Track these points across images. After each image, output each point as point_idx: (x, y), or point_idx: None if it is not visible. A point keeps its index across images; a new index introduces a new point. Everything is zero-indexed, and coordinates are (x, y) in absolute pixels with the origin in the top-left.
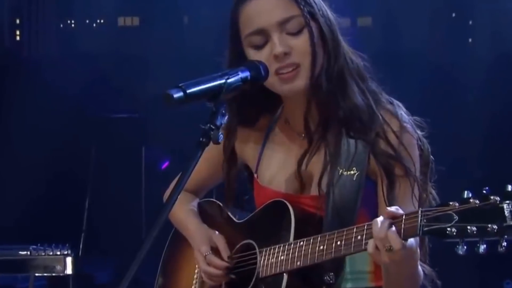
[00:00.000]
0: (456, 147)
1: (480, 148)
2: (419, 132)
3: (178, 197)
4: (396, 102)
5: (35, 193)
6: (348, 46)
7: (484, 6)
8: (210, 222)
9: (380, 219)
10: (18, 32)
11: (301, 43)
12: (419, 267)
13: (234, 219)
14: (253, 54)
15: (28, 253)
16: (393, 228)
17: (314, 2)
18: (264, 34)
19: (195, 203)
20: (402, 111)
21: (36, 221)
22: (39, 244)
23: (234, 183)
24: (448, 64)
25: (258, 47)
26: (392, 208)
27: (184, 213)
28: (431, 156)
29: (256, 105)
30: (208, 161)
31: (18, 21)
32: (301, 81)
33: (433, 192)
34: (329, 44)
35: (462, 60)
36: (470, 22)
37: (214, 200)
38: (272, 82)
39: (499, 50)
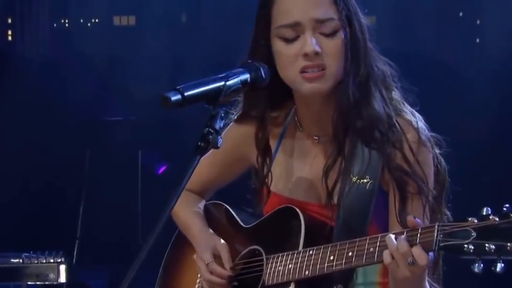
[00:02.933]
0: (463, 151)
1: (488, 152)
2: (437, 150)
3: (184, 198)
4: (418, 115)
5: (27, 198)
6: (376, 53)
7: (492, 6)
8: (216, 225)
9: (393, 233)
10: (10, 32)
11: (333, 46)
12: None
13: (241, 223)
14: (280, 46)
15: (21, 261)
16: (418, 244)
17: (352, 6)
18: (297, 29)
19: (201, 205)
20: (422, 124)
21: (28, 228)
22: (31, 252)
23: (265, 180)
24: (455, 65)
25: (288, 41)
26: (418, 220)
27: (189, 215)
28: (448, 177)
29: (267, 101)
30: (214, 163)
31: (10, 21)
32: (324, 84)
33: (448, 213)
34: (360, 51)
35: (469, 60)
36: (478, 22)
37: (221, 202)
38: (294, 79)
39: (508, 50)
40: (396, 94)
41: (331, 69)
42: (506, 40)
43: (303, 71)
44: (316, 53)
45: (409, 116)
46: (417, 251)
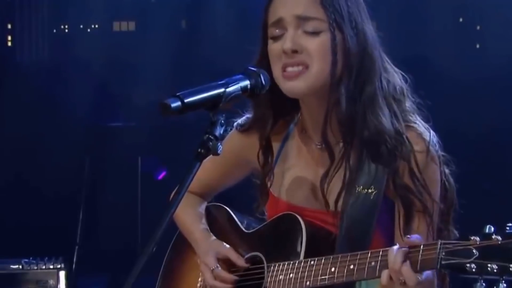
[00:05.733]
0: (463, 157)
1: (489, 157)
2: (445, 169)
3: (185, 200)
4: (432, 132)
5: (27, 204)
6: (389, 65)
7: (492, 11)
8: (217, 228)
9: (395, 248)
10: (9, 38)
11: (314, 45)
12: None
13: (242, 228)
14: (270, 45)
15: (20, 267)
16: (408, 262)
17: (348, 12)
18: (281, 25)
19: (202, 207)
20: (434, 140)
21: (28, 234)
22: (31, 258)
23: (268, 177)
24: (455, 70)
25: (275, 38)
26: (414, 238)
27: (190, 218)
28: (455, 197)
29: (277, 106)
30: (215, 167)
31: (9, 26)
32: (302, 83)
33: (456, 232)
34: (352, 59)
35: (469, 65)
36: (478, 27)
37: (223, 205)
38: (278, 79)
39: (508, 55)
40: (408, 107)
41: (312, 69)
42: (506, 45)
43: (284, 69)
44: (294, 51)
45: (421, 128)
46: (405, 270)
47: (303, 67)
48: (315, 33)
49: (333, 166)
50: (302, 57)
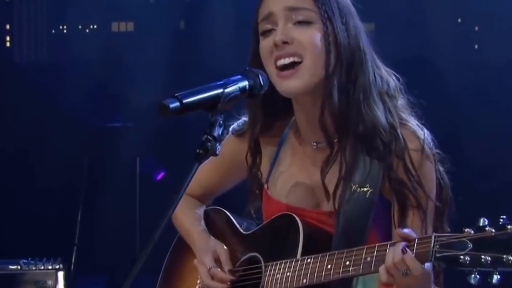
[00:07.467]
0: (460, 158)
1: (486, 158)
2: (440, 167)
3: (184, 202)
4: (426, 130)
5: (25, 205)
6: (382, 65)
7: (490, 12)
8: (216, 231)
9: (392, 242)
10: (8, 38)
11: (306, 36)
12: None
13: (240, 230)
14: (261, 41)
15: (18, 267)
16: (409, 252)
17: (339, 8)
18: (272, 20)
19: (201, 210)
20: (428, 138)
21: (27, 234)
22: (30, 258)
23: (257, 179)
24: (453, 71)
25: (266, 34)
26: (406, 230)
27: (189, 219)
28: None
29: (270, 108)
30: (213, 170)
31: (8, 27)
32: (298, 82)
33: (449, 230)
34: (343, 52)
35: (468, 66)
36: (476, 28)
37: (221, 208)
38: (273, 78)
39: (506, 56)
40: (401, 105)
41: (306, 62)
42: (505, 46)
43: (277, 66)
44: (285, 42)
45: (414, 127)
46: (409, 260)
47: (297, 57)
48: (307, 23)
49: (332, 156)
50: (293, 48)
